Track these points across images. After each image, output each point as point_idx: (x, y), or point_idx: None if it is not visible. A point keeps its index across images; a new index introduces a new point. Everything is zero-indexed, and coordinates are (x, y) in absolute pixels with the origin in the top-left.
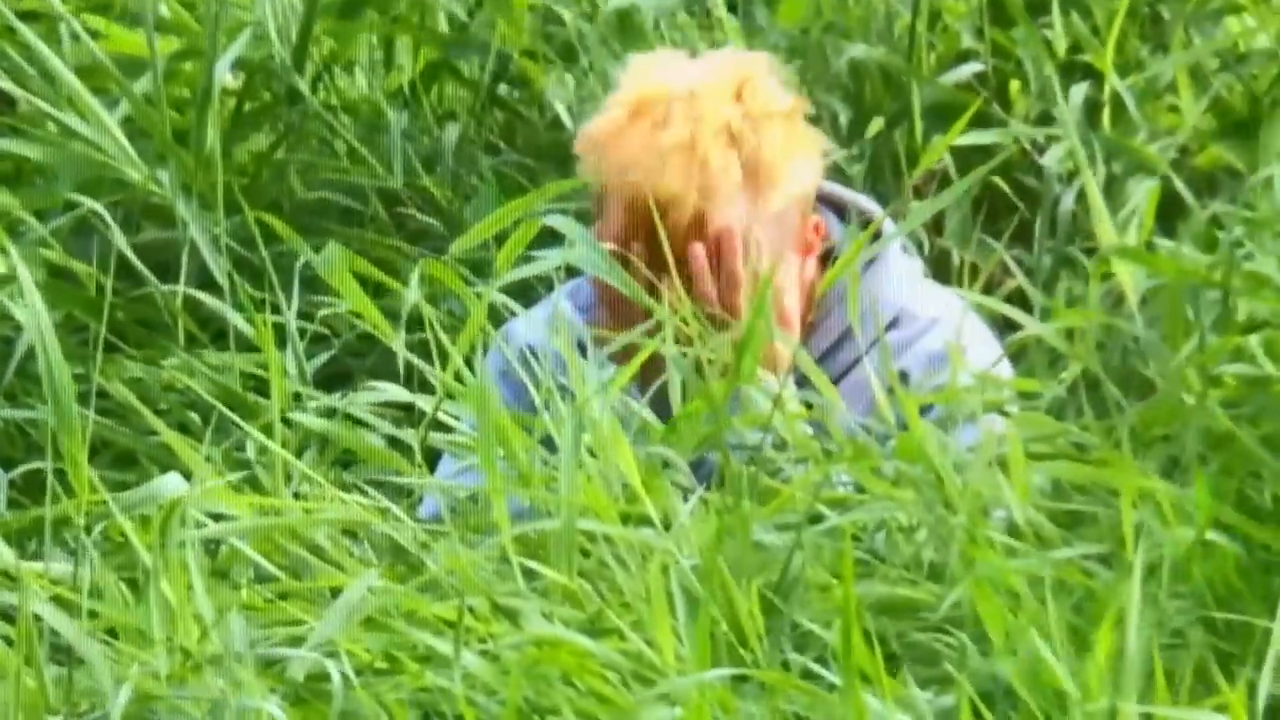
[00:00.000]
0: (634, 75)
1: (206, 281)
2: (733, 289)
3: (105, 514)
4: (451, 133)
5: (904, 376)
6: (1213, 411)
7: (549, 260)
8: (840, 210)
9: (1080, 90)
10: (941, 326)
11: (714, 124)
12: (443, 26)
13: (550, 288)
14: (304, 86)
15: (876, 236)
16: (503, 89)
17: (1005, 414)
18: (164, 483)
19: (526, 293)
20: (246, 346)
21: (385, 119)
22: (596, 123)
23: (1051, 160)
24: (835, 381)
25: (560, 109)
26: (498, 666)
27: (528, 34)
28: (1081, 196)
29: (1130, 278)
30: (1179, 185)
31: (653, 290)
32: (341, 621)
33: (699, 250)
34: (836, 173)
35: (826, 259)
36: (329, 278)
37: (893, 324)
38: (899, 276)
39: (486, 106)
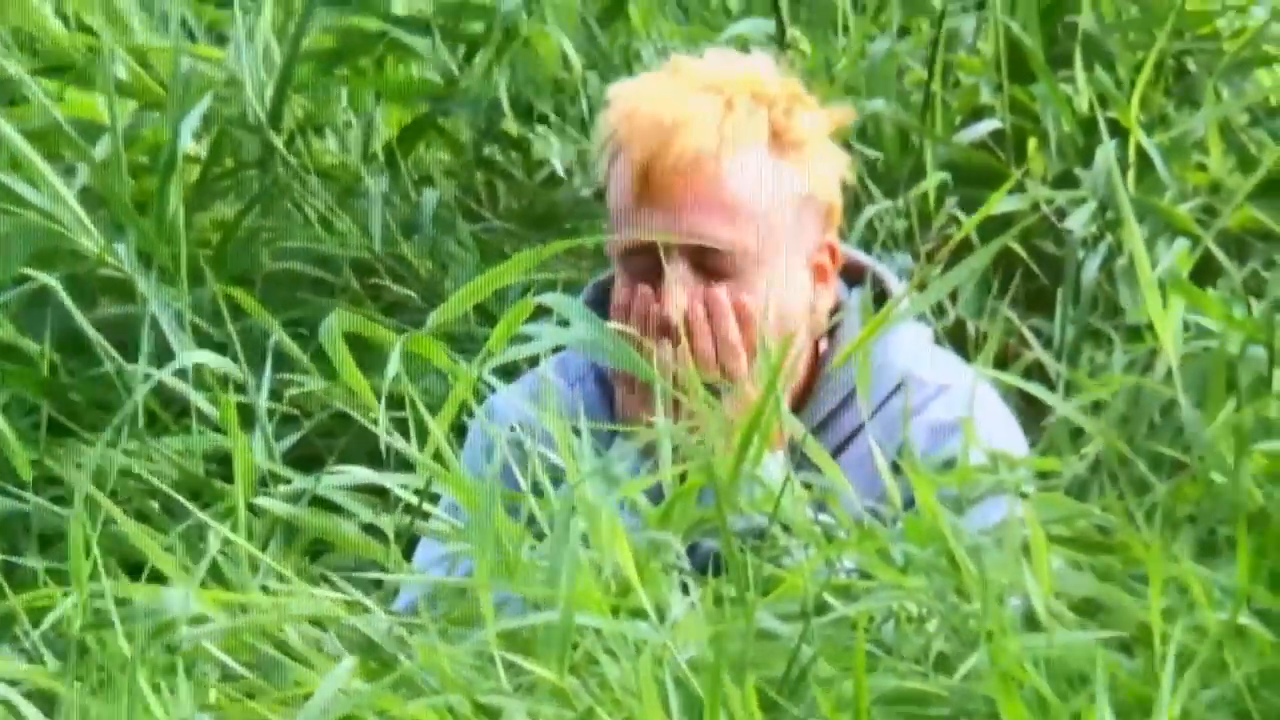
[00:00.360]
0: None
1: (168, 359)
2: (731, 356)
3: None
4: (430, 198)
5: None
6: (1247, 488)
7: (542, 340)
8: (848, 275)
9: (1109, 148)
10: (950, 394)
11: (747, 79)
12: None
13: (534, 363)
14: (279, 143)
15: (882, 299)
16: (489, 149)
17: (1022, 495)
18: (169, 596)
19: (512, 370)
20: (213, 428)
21: (361, 184)
22: (618, 83)
23: (1076, 224)
24: (836, 450)
25: (557, 165)
26: None
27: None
28: (1105, 263)
29: (1169, 338)
30: (1212, 247)
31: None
32: None
33: (700, 312)
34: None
35: (832, 333)
36: (328, 350)
37: (897, 390)
38: (907, 340)
39: (472, 167)
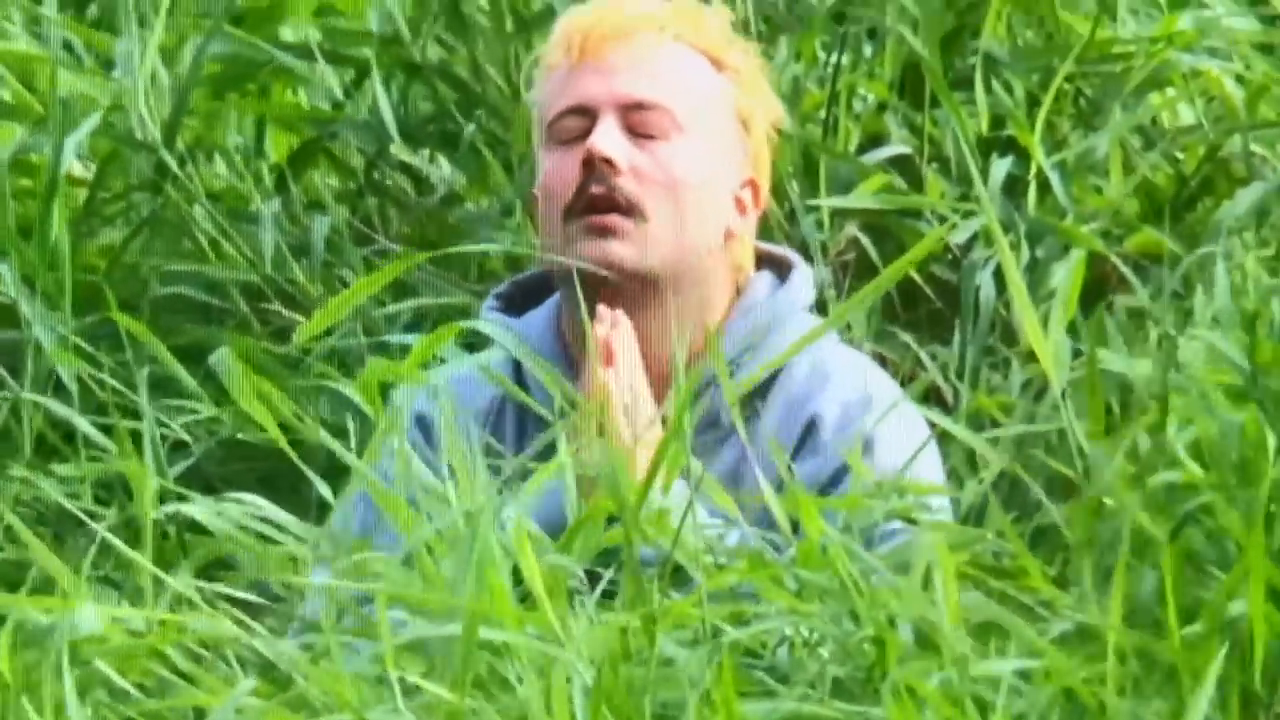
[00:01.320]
0: None
1: (55, 385)
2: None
3: None
4: (321, 223)
5: (813, 426)
6: (1137, 516)
7: (452, 366)
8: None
9: (1004, 165)
10: (856, 373)
11: (692, 15)
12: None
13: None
14: (174, 164)
15: (785, 273)
16: (379, 174)
17: (912, 521)
18: (81, 615)
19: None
20: (95, 456)
21: (250, 207)
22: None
23: (964, 235)
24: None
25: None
26: None
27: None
28: (1001, 283)
29: (1050, 361)
30: (1117, 263)
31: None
32: None
33: (620, 338)
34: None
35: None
36: (224, 379)
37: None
38: (809, 324)
39: (363, 192)
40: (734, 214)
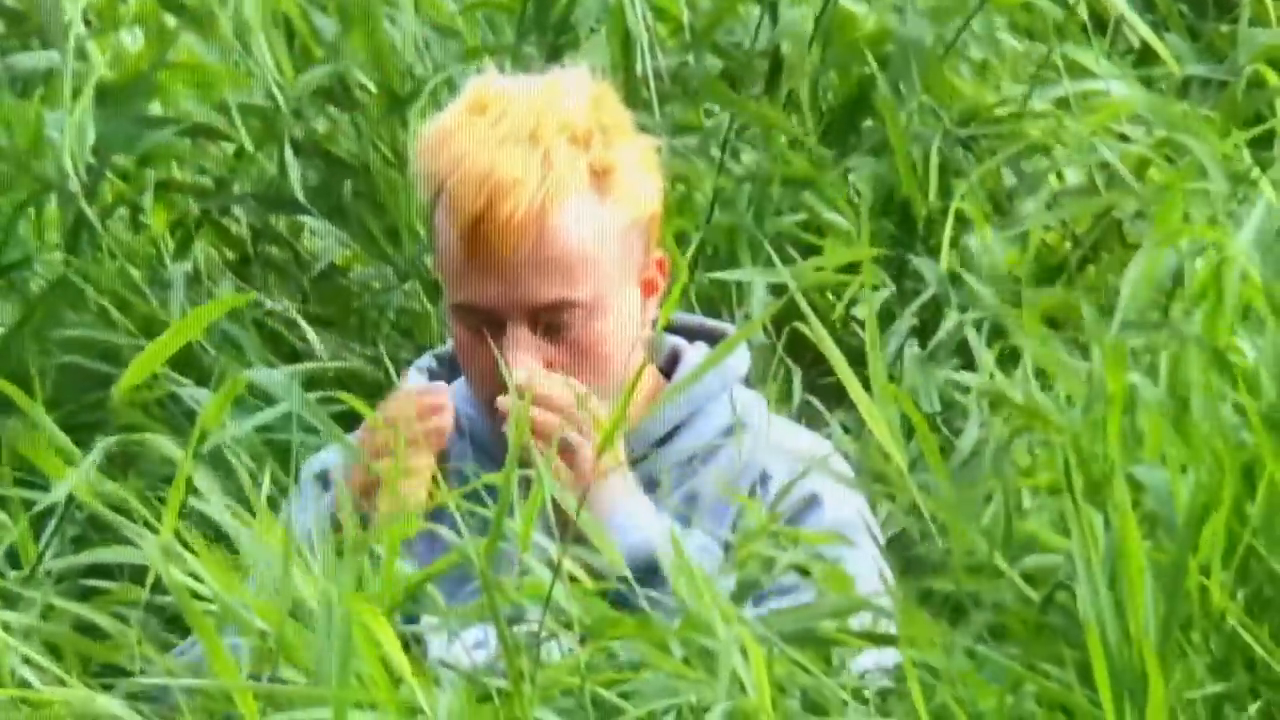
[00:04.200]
0: (474, 84)
1: None
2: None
3: None
4: (226, 288)
5: (764, 479)
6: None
7: (249, 421)
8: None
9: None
10: (792, 430)
11: (559, 120)
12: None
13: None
14: (93, 216)
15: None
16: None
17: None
18: None
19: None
20: None
21: (138, 273)
22: (433, 121)
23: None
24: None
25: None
26: None
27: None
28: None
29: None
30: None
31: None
32: None
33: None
34: None
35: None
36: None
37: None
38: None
39: (249, 261)
40: (648, 303)
